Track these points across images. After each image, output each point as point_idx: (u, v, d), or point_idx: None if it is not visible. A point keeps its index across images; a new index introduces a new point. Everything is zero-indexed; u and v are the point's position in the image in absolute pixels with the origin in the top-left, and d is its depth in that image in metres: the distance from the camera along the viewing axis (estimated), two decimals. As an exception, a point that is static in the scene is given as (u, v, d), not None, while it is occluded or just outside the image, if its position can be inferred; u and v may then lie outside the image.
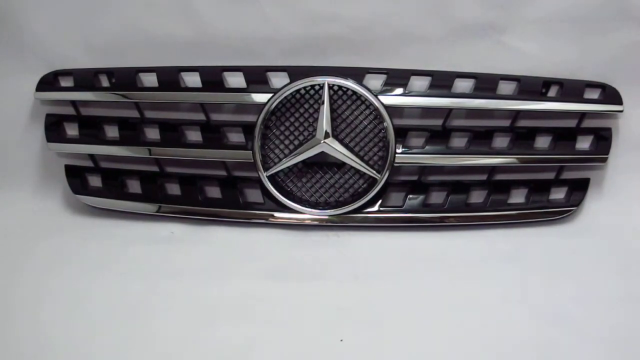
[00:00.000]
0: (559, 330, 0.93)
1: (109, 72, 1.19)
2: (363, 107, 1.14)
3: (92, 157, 1.22)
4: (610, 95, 1.15)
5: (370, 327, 0.95)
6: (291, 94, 1.13)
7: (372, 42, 1.17)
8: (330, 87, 1.11)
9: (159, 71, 1.17)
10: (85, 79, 1.18)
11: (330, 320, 0.97)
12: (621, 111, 1.15)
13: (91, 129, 1.19)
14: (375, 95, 1.12)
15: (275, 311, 0.98)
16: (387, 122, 1.11)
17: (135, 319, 0.96)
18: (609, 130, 1.17)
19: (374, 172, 1.13)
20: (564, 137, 1.16)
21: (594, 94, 1.17)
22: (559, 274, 1.05)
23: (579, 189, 1.18)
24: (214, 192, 1.20)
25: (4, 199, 1.25)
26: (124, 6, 1.19)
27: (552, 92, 1.16)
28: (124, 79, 1.18)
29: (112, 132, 1.19)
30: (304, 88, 1.13)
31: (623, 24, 1.14)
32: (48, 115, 1.20)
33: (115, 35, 1.20)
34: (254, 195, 1.18)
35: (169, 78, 1.16)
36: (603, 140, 1.16)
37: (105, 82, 1.19)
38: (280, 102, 1.13)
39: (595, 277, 1.00)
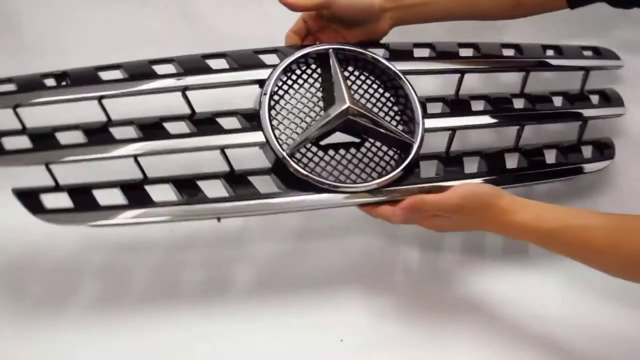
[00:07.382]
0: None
1: (59, 75, 0.95)
2: (377, 72, 1.02)
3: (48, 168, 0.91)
4: (606, 53, 1.17)
5: (371, 327, 0.95)
6: (294, 61, 0.98)
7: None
8: (336, 53, 0.99)
9: (126, 67, 0.96)
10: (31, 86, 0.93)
11: (330, 320, 0.95)
12: (622, 66, 1.15)
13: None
14: (388, 59, 1.01)
15: (275, 311, 0.97)
16: (408, 86, 1.00)
17: (135, 320, 0.95)
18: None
19: (408, 137, 0.98)
20: (576, 97, 1.14)
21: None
22: (559, 273, 1.06)
23: (605, 147, 1.13)
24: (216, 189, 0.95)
25: None
26: None
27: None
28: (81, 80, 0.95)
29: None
30: (310, 55, 0.99)
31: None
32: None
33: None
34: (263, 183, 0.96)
35: (140, 72, 0.96)
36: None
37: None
38: (282, 74, 0.98)
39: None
